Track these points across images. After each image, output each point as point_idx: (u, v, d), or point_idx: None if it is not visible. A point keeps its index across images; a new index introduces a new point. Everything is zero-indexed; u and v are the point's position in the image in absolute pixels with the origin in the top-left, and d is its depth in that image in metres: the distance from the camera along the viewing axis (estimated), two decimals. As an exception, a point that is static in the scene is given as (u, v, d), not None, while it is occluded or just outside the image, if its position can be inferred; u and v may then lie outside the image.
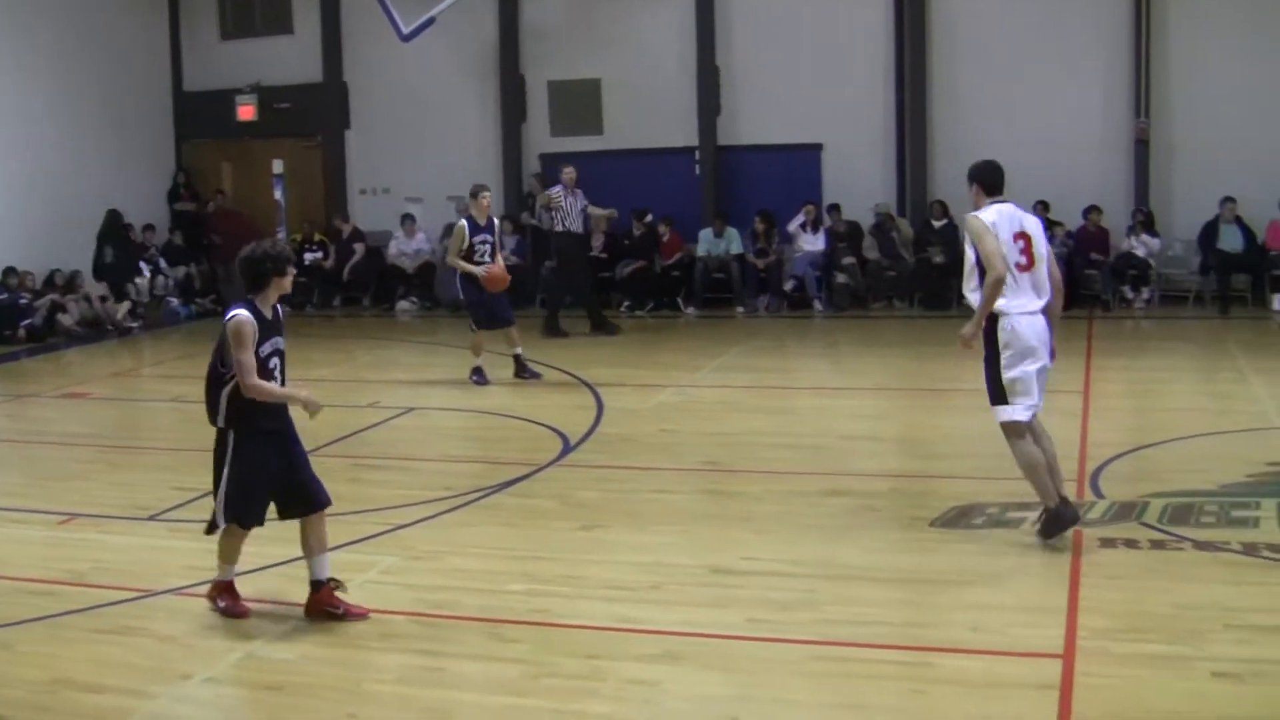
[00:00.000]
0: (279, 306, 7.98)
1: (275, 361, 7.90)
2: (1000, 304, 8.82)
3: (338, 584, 8.02)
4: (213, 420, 7.91)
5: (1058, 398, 14.13)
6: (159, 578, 8.82)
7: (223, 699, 6.89)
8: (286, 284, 7.90)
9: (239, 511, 7.91)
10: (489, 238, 15.97)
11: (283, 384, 7.96)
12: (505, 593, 8.45)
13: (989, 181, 9.21)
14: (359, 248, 25.04)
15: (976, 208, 9.11)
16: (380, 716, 6.62)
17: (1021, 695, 6.61)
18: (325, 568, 8.03)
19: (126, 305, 22.93)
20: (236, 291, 8.08)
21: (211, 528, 8.05)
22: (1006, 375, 8.89)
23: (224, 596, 8.13)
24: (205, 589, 8.25)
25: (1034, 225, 9.04)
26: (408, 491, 11.00)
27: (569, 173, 20.50)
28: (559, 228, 20.56)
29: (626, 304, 23.13)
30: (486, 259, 15.88)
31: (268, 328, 7.78)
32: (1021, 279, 8.88)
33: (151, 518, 10.34)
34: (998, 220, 8.87)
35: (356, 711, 6.68)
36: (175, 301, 24.30)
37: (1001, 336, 8.89)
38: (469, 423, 14.33)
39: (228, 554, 8.12)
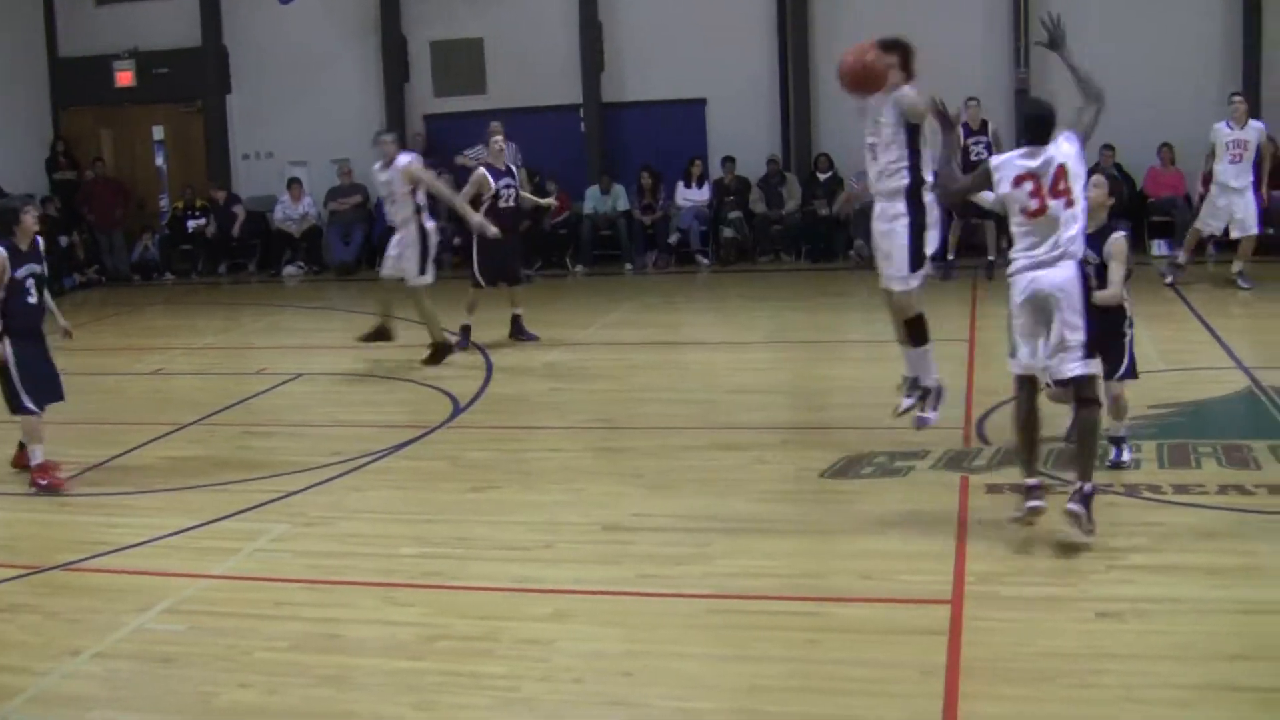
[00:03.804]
0: (38, 239, 10.21)
1: (31, 282, 10.05)
2: None
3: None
4: None
5: (944, 346, 14.33)
6: (46, 553, 8.74)
7: (114, 673, 6.82)
8: (30, 222, 10.07)
9: (38, 395, 10.08)
10: (512, 181, 15.68)
11: (40, 300, 10.20)
12: (398, 556, 8.46)
13: None
14: (239, 210, 24.73)
15: None
16: (275, 685, 6.57)
17: (912, 641, 6.71)
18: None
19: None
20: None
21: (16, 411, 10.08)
22: None
23: (46, 474, 10.11)
24: (31, 476, 10.18)
25: None
26: (298, 457, 10.93)
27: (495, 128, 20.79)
28: None
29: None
30: (511, 202, 15.61)
31: (23, 257, 10.01)
32: None
33: (37, 492, 10.20)
34: None
35: (250, 681, 6.63)
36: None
37: None
38: (358, 387, 14.24)
39: (38, 435, 10.18)
